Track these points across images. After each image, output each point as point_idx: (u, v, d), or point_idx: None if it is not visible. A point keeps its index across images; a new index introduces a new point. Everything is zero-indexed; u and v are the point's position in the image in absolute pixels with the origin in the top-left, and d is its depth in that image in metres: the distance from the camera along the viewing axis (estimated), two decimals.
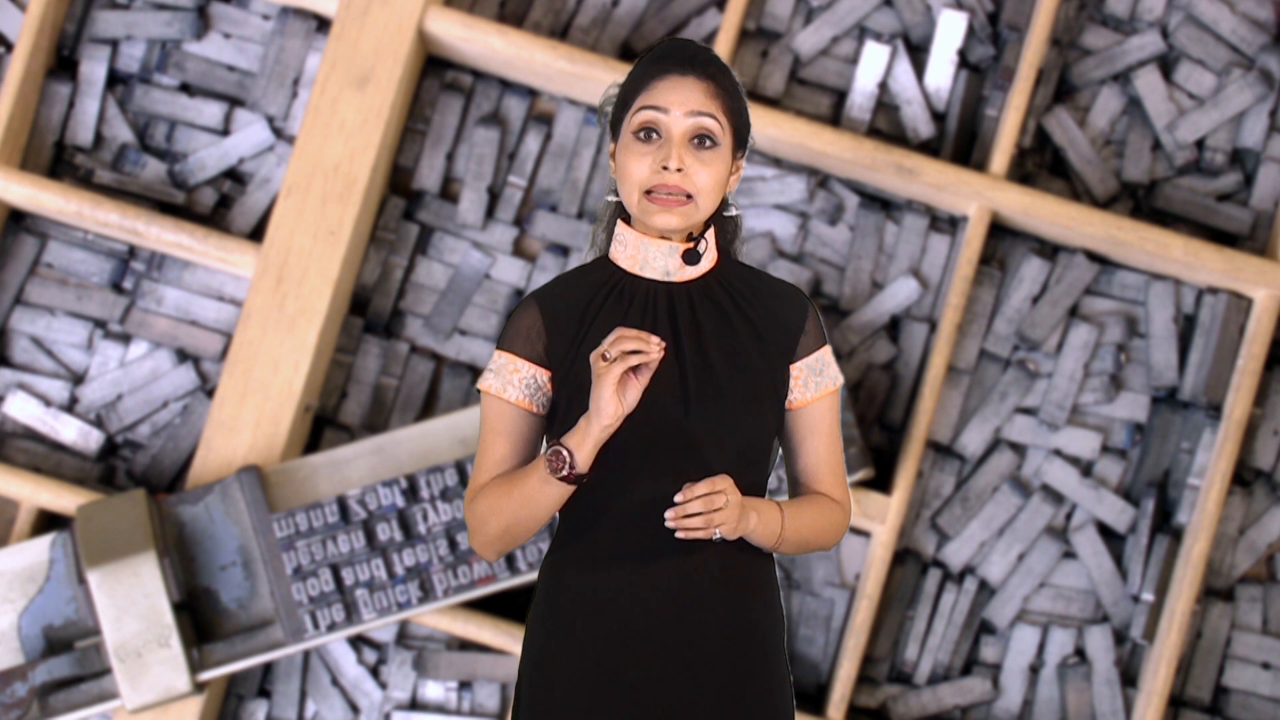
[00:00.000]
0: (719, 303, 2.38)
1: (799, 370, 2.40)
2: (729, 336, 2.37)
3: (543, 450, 2.33)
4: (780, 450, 2.47)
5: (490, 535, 2.34)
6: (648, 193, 2.33)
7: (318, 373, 3.89)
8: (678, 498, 2.21)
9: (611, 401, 2.21)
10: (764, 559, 2.38)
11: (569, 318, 2.37)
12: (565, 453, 2.25)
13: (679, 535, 2.22)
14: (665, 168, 2.30)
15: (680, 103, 2.31)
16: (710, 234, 2.40)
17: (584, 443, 2.25)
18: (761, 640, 2.35)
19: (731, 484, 2.23)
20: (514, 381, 2.36)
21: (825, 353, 2.42)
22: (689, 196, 2.32)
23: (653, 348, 2.19)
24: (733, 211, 2.41)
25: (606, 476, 2.31)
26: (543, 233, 3.99)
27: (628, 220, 2.41)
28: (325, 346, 3.89)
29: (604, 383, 2.21)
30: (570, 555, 2.35)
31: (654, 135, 2.32)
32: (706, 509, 2.21)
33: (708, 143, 2.33)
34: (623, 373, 2.21)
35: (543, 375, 2.36)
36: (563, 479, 2.26)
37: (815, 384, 2.41)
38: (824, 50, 4.02)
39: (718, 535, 2.23)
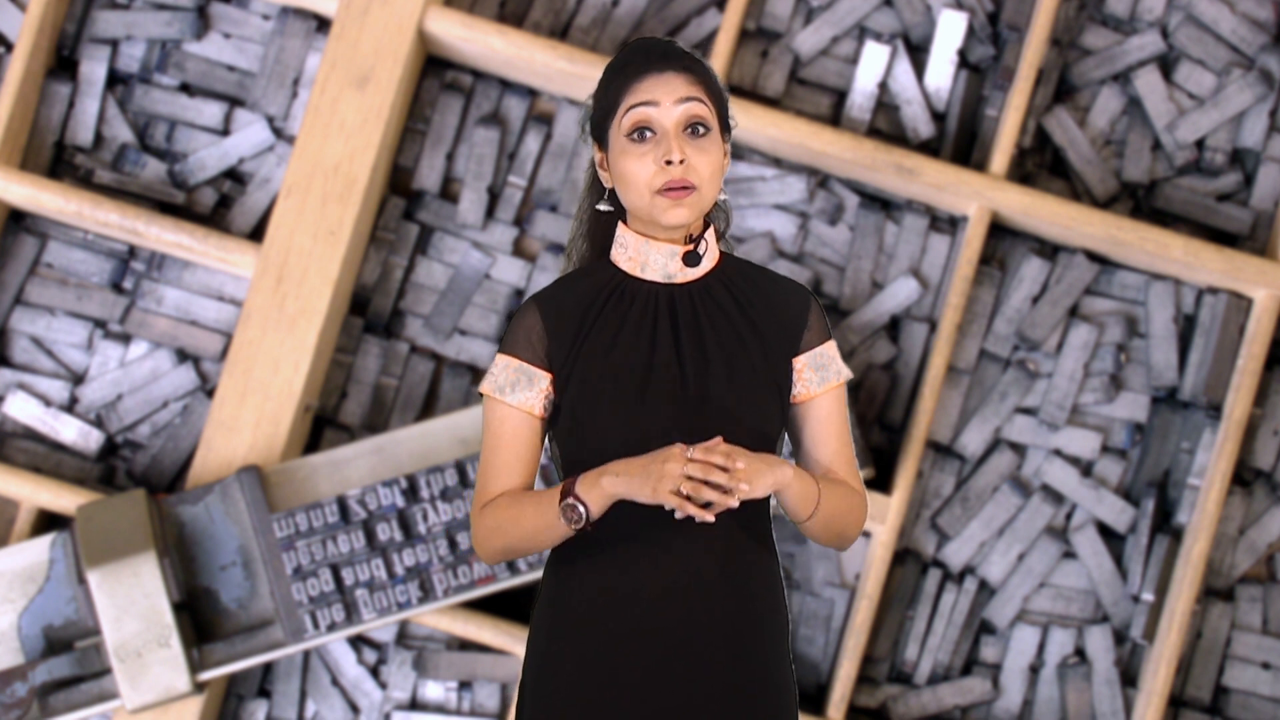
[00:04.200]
0: (720, 303, 2.39)
1: (802, 364, 2.40)
2: (731, 337, 2.37)
3: (558, 490, 2.32)
4: (787, 448, 2.47)
5: (494, 549, 2.37)
6: (656, 191, 2.33)
7: (318, 373, 3.89)
8: (695, 453, 2.21)
9: (660, 495, 2.20)
10: (769, 557, 2.38)
11: (570, 320, 2.37)
12: (581, 507, 2.27)
13: (685, 512, 2.21)
14: (669, 162, 2.31)
15: (668, 93, 2.33)
16: (710, 234, 2.41)
17: (602, 497, 2.26)
18: (765, 640, 2.35)
19: (736, 450, 2.22)
20: (516, 385, 2.37)
21: (829, 347, 2.42)
22: (693, 187, 2.33)
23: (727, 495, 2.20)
24: (721, 196, 2.42)
25: None
26: (543, 233, 4.00)
27: (625, 222, 2.42)
28: (325, 346, 3.89)
29: (667, 479, 2.20)
30: (574, 555, 2.35)
31: (648, 134, 2.33)
32: (716, 474, 2.20)
33: (700, 130, 2.34)
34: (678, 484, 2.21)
35: (545, 379, 2.37)
36: (574, 526, 2.28)
37: (819, 379, 2.41)
38: (824, 50, 4.02)
39: (735, 501, 2.22)
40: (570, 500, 2.27)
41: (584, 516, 2.27)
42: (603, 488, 2.25)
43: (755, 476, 2.22)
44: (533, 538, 2.33)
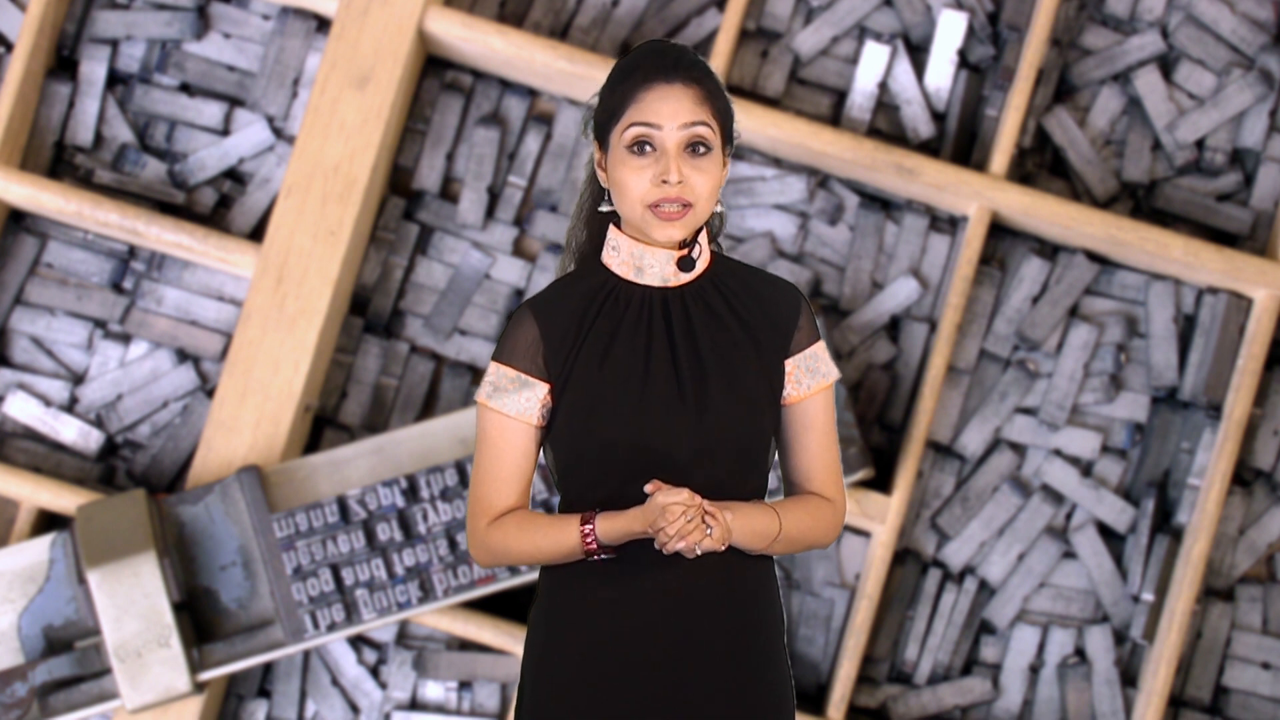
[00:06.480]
0: (713, 305, 2.38)
1: (792, 365, 2.40)
2: (724, 339, 2.37)
3: (577, 523, 2.34)
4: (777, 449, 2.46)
5: (499, 561, 2.39)
6: (650, 206, 2.33)
7: (318, 373, 3.89)
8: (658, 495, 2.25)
9: (674, 540, 2.23)
10: (764, 560, 2.38)
11: (565, 326, 2.37)
12: (604, 555, 2.31)
13: (662, 548, 2.25)
14: (665, 181, 2.31)
15: (671, 115, 2.31)
16: (703, 238, 2.41)
17: (623, 535, 2.28)
18: (762, 642, 2.35)
19: (689, 497, 2.25)
20: (514, 395, 2.36)
21: (819, 348, 2.42)
22: (688, 205, 2.33)
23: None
24: (719, 208, 2.42)
25: (607, 483, 2.31)
26: (543, 233, 4.00)
27: (618, 224, 2.41)
28: (325, 346, 3.89)
29: (671, 526, 2.23)
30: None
31: (648, 148, 2.33)
32: (674, 523, 2.23)
33: (701, 149, 2.33)
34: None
35: (542, 388, 2.36)
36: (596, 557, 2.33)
37: (810, 380, 2.41)
38: (824, 50, 4.02)
39: (698, 550, 2.24)
40: (597, 552, 2.31)
41: (607, 551, 2.31)
42: (623, 524, 2.28)
43: (696, 535, 2.26)
44: (543, 560, 2.35)
